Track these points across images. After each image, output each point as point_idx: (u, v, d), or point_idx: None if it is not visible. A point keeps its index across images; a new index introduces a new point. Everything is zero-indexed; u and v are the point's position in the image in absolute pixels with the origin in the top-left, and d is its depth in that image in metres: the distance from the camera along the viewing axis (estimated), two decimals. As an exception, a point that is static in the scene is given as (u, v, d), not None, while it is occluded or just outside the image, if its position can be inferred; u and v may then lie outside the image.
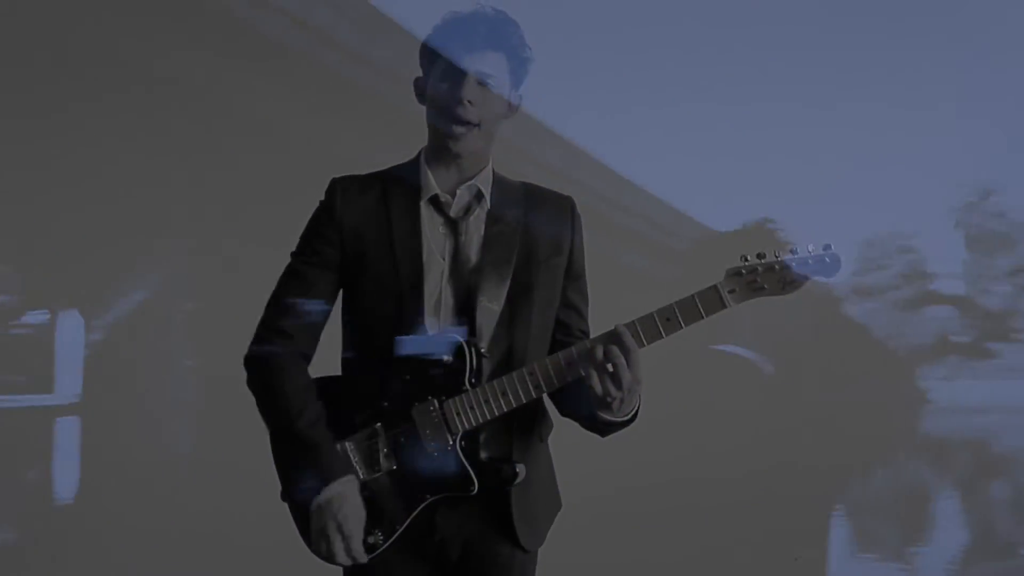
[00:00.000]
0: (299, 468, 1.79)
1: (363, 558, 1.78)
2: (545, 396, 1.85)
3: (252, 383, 1.86)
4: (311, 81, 4.24)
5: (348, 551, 1.77)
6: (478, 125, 1.80)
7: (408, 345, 1.79)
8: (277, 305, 1.87)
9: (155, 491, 4.43)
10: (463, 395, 1.76)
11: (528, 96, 1.91)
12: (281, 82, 4.19)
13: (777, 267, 1.71)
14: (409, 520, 1.79)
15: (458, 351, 1.76)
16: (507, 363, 1.80)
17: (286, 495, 1.87)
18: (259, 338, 1.86)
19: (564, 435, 1.96)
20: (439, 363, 1.76)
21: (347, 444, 1.80)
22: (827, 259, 1.71)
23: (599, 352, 1.69)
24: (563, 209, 1.91)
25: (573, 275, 1.91)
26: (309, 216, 1.92)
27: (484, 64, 1.79)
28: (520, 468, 1.78)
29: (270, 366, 1.83)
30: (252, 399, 1.88)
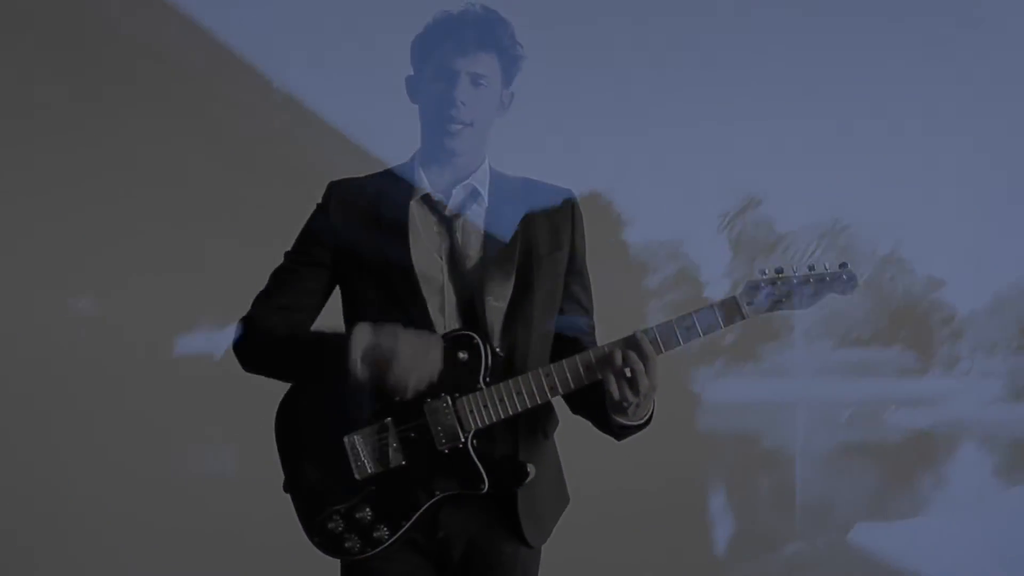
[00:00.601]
0: (317, 367, 1.75)
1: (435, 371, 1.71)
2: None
3: (245, 360, 1.85)
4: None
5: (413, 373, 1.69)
6: (471, 124, 1.83)
7: None
8: (265, 300, 1.88)
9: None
10: (477, 393, 1.77)
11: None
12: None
13: (796, 282, 1.75)
14: (416, 517, 1.79)
15: (473, 349, 1.77)
16: (511, 359, 1.81)
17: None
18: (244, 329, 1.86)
19: (569, 432, 1.97)
20: (453, 360, 1.76)
21: (355, 437, 1.80)
22: (844, 276, 1.76)
23: (618, 357, 1.72)
24: (563, 203, 1.93)
25: (575, 269, 1.94)
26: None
27: (476, 64, 1.82)
28: (531, 468, 1.79)
29: (256, 333, 1.83)
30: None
